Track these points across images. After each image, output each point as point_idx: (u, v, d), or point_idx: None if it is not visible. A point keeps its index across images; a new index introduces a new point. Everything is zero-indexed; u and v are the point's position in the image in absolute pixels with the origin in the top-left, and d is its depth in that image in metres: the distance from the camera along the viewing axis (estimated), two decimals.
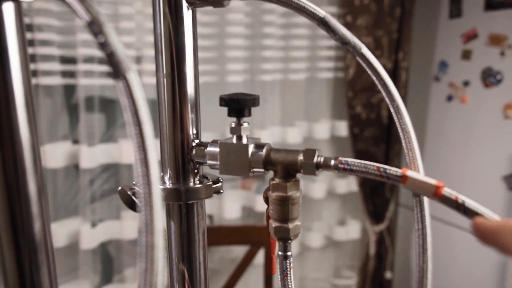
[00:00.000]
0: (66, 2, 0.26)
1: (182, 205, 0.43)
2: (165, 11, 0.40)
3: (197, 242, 0.45)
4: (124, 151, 1.37)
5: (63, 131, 1.40)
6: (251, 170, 0.40)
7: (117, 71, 0.24)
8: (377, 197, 1.90)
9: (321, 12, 0.37)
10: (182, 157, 0.42)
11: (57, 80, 1.29)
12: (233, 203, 1.61)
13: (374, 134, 1.82)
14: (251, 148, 0.40)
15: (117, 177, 1.44)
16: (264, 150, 0.40)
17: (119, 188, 0.42)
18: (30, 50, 1.21)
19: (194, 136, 0.43)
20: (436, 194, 0.34)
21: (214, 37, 1.51)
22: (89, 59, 1.31)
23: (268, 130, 1.65)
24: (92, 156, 1.33)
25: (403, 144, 0.37)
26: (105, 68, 1.35)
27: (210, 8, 1.35)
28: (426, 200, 0.36)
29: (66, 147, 1.35)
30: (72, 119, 1.41)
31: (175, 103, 0.41)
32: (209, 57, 1.51)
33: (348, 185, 1.87)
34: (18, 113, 0.34)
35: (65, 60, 1.30)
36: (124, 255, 1.48)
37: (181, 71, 0.41)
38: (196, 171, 0.44)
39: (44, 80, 1.26)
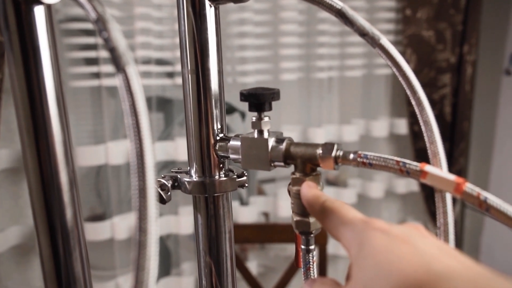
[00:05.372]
0: (77, 1, 0.28)
1: (208, 197, 0.44)
2: (188, 9, 0.41)
3: (223, 234, 0.45)
4: (180, 148, 1.42)
5: (125, 130, 1.48)
6: (272, 164, 0.40)
7: (117, 65, 0.26)
8: None
9: (338, 3, 0.36)
10: (207, 151, 0.43)
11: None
12: (288, 201, 1.60)
13: None
14: (271, 142, 0.40)
15: None
16: (284, 144, 0.40)
17: None
18: (93, 54, 1.30)
19: (219, 130, 0.44)
20: (457, 190, 0.33)
21: (268, 36, 1.52)
22: (147, 61, 1.37)
23: (323, 129, 1.63)
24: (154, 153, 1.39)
25: (425, 138, 0.35)
26: (162, 69, 1.41)
27: (263, 6, 1.34)
28: (449, 195, 0.34)
29: (127, 145, 1.42)
30: None
31: (200, 99, 0.43)
32: (263, 55, 1.52)
33: (408, 184, 1.80)
34: (51, 110, 0.37)
35: None
36: (181, 249, 1.53)
37: (205, 67, 0.42)
38: (221, 165, 0.45)
39: (106, 82, 1.33)
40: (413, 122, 1.71)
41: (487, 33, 1.81)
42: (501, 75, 1.78)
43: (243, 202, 1.59)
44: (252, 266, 1.59)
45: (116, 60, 0.26)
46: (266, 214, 1.69)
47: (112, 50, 0.26)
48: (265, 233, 1.38)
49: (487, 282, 0.22)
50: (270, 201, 1.63)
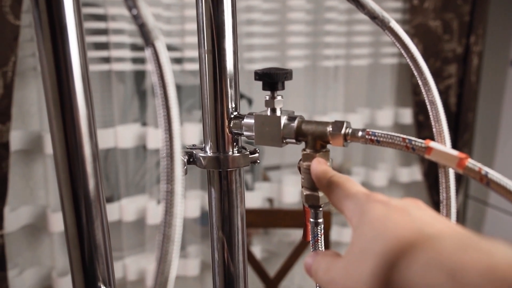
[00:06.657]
0: None
1: (222, 172, 0.47)
2: None
3: (235, 209, 0.48)
4: (187, 133, 1.45)
5: (134, 114, 1.50)
6: (284, 141, 0.43)
7: (147, 40, 0.28)
8: None
9: None
10: (222, 128, 0.46)
11: (128, 66, 1.38)
12: (292, 187, 1.63)
13: None
14: (283, 120, 0.42)
15: None
16: (296, 122, 0.42)
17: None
18: (103, 38, 1.31)
19: (233, 108, 0.46)
20: (460, 165, 0.35)
21: (275, 24, 1.54)
22: None
23: (329, 117, 1.64)
24: (158, 137, 1.41)
25: (431, 117, 0.37)
26: (170, 54, 1.42)
27: None
28: (451, 171, 0.36)
29: (136, 129, 1.45)
30: (142, 103, 1.50)
31: (216, 78, 0.45)
32: (270, 43, 1.54)
33: (412, 174, 1.82)
34: (76, 85, 0.39)
35: (135, 47, 1.39)
36: (186, 233, 1.56)
37: (221, 47, 0.44)
38: (235, 142, 0.47)
39: (116, 66, 1.35)
40: (418, 111, 1.72)
41: (494, 24, 1.82)
42: (507, 66, 1.79)
43: (248, 188, 1.62)
44: (256, 251, 1.62)
45: (145, 35, 0.28)
46: (270, 200, 1.72)
47: (142, 25, 0.28)
48: (269, 218, 1.41)
49: (473, 242, 0.24)
50: (274, 187, 1.65)
